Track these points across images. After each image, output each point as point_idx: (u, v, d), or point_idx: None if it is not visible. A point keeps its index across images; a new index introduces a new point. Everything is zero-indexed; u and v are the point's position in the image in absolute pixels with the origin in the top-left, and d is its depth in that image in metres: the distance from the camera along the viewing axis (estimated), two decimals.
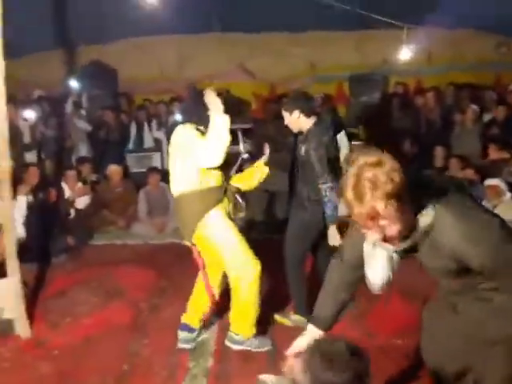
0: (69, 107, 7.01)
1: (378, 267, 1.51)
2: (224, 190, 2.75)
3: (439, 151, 5.68)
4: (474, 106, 5.70)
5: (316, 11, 7.10)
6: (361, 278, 1.64)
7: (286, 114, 3.07)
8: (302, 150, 2.99)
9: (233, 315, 2.80)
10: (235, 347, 2.81)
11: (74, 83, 7.62)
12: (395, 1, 6.42)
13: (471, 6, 5.84)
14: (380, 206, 1.26)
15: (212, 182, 2.67)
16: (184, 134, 2.67)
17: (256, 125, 5.72)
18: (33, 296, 3.52)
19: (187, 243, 2.75)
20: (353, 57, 7.93)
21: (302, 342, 1.65)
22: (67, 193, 5.11)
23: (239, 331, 2.78)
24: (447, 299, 1.67)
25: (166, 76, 8.17)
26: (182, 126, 2.74)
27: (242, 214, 2.83)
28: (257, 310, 2.75)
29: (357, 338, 2.94)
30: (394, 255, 1.49)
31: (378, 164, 1.27)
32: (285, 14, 7.42)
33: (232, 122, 6.45)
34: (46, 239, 4.47)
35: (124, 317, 3.36)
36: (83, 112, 7.13)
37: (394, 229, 1.33)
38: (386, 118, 6.61)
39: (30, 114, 6.24)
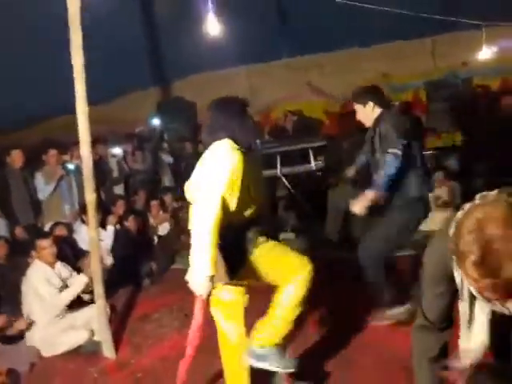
0: (154, 142, 7.52)
1: (476, 330, 1.29)
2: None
3: None
4: None
5: (387, 21, 6.93)
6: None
7: (358, 107, 2.94)
8: (378, 131, 2.86)
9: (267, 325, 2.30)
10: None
11: (157, 119, 8.20)
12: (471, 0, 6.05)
13: None
14: None
15: None
16: None
17: (329, 142, 5.69)
18: (120, 319, 3.76)
19: None
20: (428, 63, 7.58)
21: None
22: (151, 221, 5.43)
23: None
24: None
25: None
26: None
27: None
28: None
29: None
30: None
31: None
32: (354, 29, 7.34)
33: (303, 142, 6.46)
34: (134, 265, 4.78)
35: (202, 339, 3.43)
36: (165, 145, 7.60)
37: None
38: (470, 123, 6.17)
39: (117, 151, 6.79)
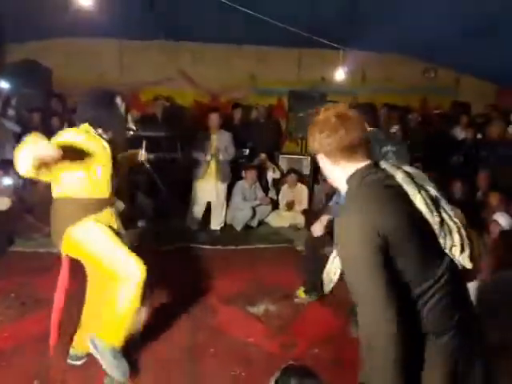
0: None
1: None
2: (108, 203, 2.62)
3: None
4: (396, 127, 5.98)
5: (258, 26, 7.21)
6: None
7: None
8: None
9: (105, 323, 2.49)
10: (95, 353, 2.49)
11: (3, 81, 7.20)
12: (333, 24, 6.67)
13: (401, 32, 6.18)
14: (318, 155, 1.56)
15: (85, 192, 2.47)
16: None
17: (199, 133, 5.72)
18: None
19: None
20: (293, 73, 8.14)
21: None
22: None
23: (106, 338, 2.47)
24: None
25: (105, 80, 7.94)
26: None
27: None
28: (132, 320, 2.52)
29: (274, 350, 3.01)
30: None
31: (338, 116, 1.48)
32: (228, 26, 7.47)
33: (170, 131, 6.39)
34: None
35: (40, 328, 3.19)
36: (12, 112, 6.76)
37: (330, 179, 1.58)
38: None
39: None
